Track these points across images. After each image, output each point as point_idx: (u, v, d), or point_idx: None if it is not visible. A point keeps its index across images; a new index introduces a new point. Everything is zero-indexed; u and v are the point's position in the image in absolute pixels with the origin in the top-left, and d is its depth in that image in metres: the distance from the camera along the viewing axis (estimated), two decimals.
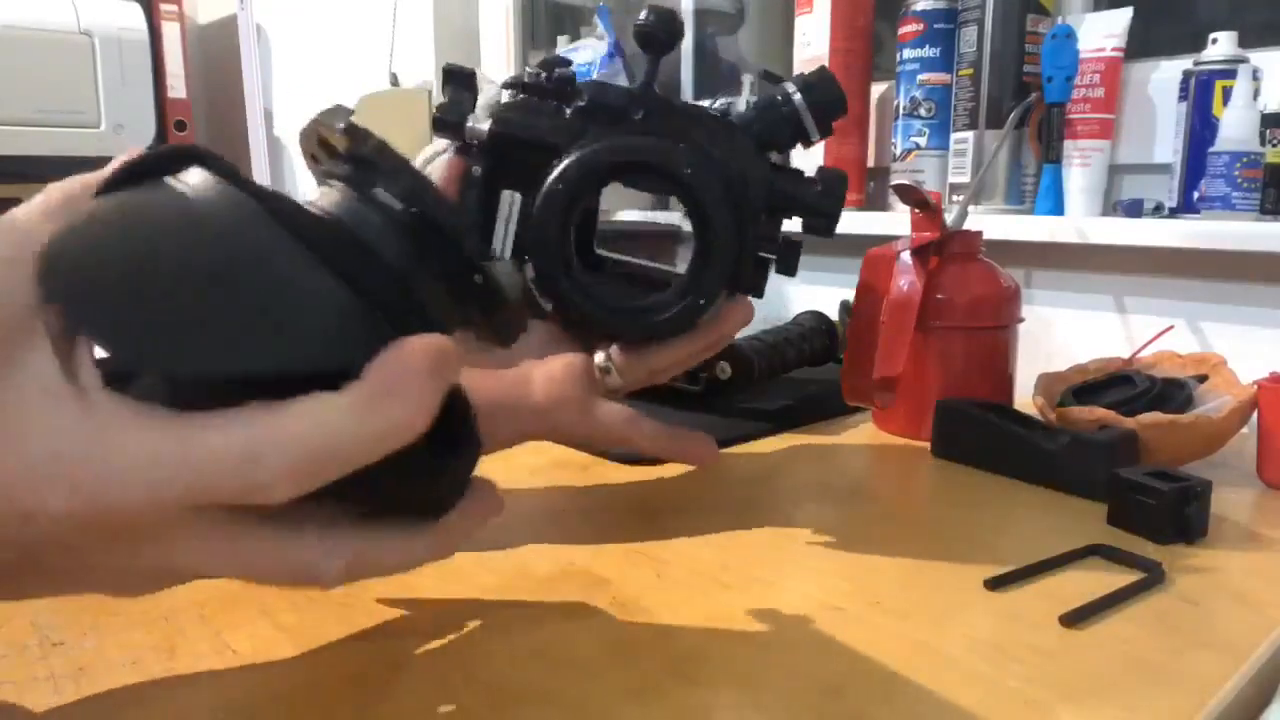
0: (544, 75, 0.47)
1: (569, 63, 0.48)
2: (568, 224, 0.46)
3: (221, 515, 0.25)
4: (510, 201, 0.47)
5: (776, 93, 0.48)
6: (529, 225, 0.46)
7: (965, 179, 0.92)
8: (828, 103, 0.48)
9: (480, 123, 0.47)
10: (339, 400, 0.24)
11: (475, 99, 0.48)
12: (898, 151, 1.00)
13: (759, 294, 0.49)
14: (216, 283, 0.25)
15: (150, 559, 0.26)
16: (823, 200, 0.48)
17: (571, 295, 0.46)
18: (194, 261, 0.25)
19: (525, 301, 0.32)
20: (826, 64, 1.01)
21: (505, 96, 0.48)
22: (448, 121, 0.47)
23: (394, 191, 0.28)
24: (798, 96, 0.48)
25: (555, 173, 0.45)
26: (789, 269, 0.49)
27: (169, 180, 0.28)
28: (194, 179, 0.27)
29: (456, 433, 0.30)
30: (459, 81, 0.48)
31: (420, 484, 0.29)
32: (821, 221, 0.48)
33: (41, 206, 0.28)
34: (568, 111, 0.46)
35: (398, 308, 0.27)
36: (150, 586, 0.29)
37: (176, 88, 1.87)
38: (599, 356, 0.48)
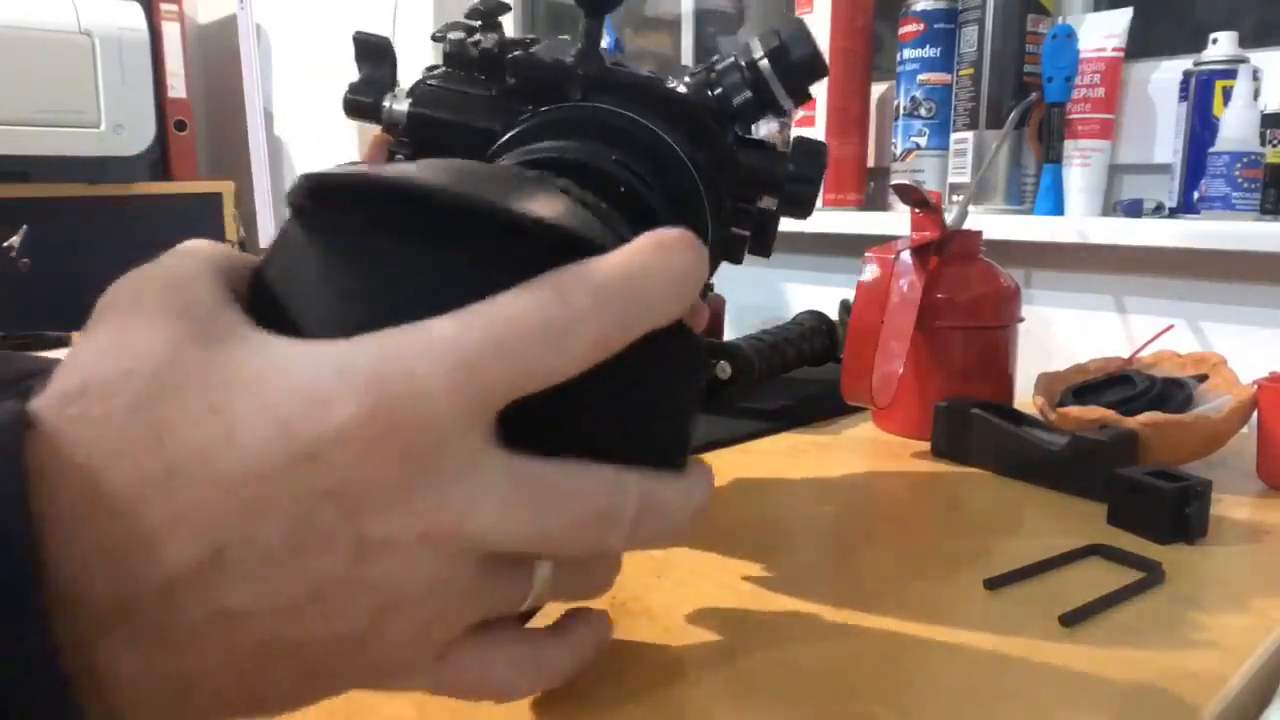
0: (469, 39, 0.39)
1: (506, 7, 0.40)
2: None
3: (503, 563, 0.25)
4: None
5: (740, 56, 0.40)
6: None
7: (965, 179, 0.92)
8: (802, 67, 0.40)
9: (399, 102, 0.40)
10: (625, 248, 0.25)
11: (394, 72, 0.41)
12: (898, 151, 1.00)
13: (737, 260, 0.43)
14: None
15: (451, 512, 0.22)
16: (796, 182, 0.41)
17: None
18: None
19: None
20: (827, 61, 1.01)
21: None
22: (362, 103, 0.40)
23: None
24: (764, 62, 0.40)
25: None
26: (763, 249, 0.42)
27: None
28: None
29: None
30: (372, 53, 0.41)
31: (687, 372, 0.28)
32: (795, 208, 0.41)
33: None
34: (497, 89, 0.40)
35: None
36: (422, 652, 0.25)
37: (176, 88, 1.87)
38: None
